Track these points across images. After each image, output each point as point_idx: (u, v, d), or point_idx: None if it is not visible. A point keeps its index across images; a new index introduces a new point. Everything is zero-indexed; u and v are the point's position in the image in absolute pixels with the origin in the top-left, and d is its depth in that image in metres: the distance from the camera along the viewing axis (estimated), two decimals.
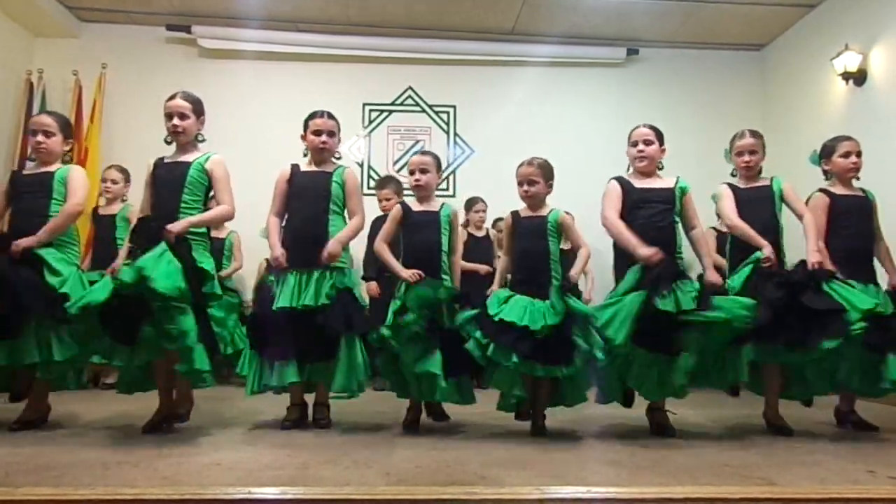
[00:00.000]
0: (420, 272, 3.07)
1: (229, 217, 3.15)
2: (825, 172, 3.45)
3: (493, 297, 3.04)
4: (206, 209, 3.09)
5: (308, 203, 3.20)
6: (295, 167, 3.29)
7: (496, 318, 2.91)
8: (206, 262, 2.93)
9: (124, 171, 4.74)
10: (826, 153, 3.43)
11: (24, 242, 2.93)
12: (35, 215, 3.04)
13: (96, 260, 4.53)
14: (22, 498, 1.80)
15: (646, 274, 2.93)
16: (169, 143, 3.14)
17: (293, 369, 3.04)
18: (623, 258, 3.10)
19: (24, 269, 2.89)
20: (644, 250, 2.94)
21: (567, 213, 5.28)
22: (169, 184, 3.02)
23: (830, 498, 1.92)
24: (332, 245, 3.07)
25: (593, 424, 3.26)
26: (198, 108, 3.14)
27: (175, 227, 2.85)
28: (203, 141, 3.18)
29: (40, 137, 3.12)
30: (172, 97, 3.11)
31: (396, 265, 3.16)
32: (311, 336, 3.03)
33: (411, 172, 3.28)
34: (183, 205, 2.98)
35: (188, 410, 3.15)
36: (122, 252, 2.99)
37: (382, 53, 6.00)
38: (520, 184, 3.23)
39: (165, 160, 3.11)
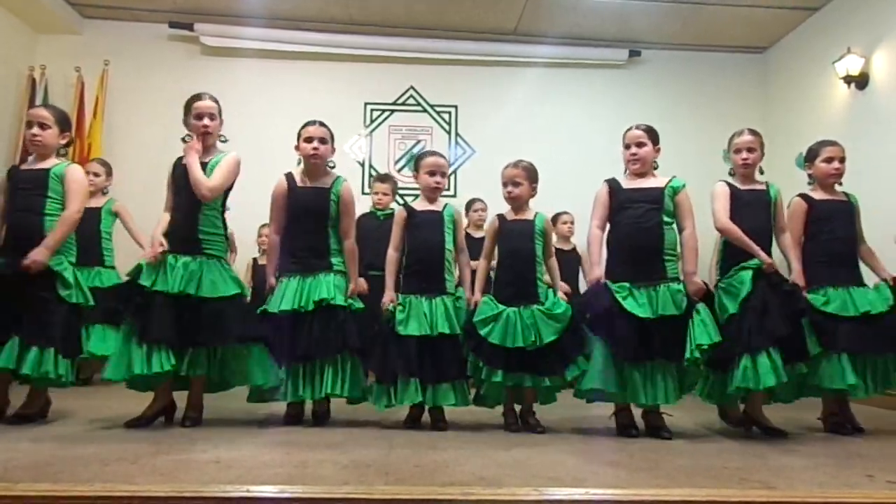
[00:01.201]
0: (389, 306, 3.13)
1: (203, 185, 3.02)
2: (809, 176, 3.44)
3: (479, 312, 3.09)
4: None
5: (308, 221, 3.24)
6: (290, 180, 3.29)
7: (487, 338, 3.01)
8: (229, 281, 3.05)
9: (106, 165, 4.76)
10: (810, 157, 3.41)
11: (39, 259, 2.91)
12: (31, 213, 3.03)
13: (78, 252, 4.52)
14: (20, 494, 1.80)
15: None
16: (186, 142, 3.14)
17: (298, 382, 3.09)
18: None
19: (39, 293, 2.92)
20: (592, 275, 3.10)
21: (566, 213, 5.33)
22: (190, 185, 3.04)
23: (828, 502, 1.92)
24: (360, 286, 3.29)
25: (592, 426, 3.26)
26: (220, 109, 3.20)
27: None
28: (226, 141, 3.23)
29: (35, 129, 3.09)
30: (199, 98, 3.13)
31: (390, 285, 3.20)
32: (319, 332, 3.07)
33: (431, 174, 3.26)
34: (204, 206, 3.04)
35: (199, 415, 3.09)
36: (156, 244, 2.97)
37: (384, 53, 6.01)
38: (504, 185, 3.26)
39: (184, 161, 3.11)
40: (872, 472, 2.30)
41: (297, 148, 3.32)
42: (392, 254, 3.25)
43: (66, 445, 2.48)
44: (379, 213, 4.68)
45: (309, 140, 3.27)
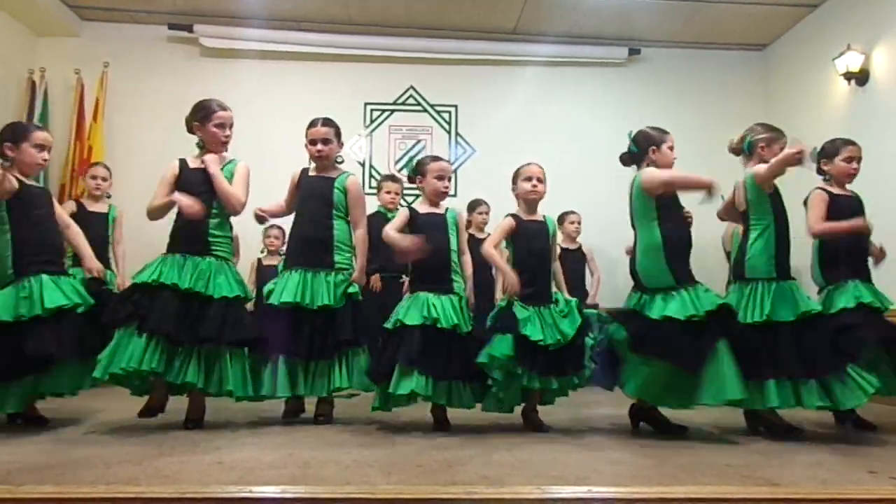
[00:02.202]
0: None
1: (236, 199, 3.12)
2: (820, 171, 3.43)
3: (519, 314, 3.05)
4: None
5: (312, 207, 3.31)
6: (304, 171, 3.39)
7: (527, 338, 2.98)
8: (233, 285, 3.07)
9: (108, 169, 4.81)
10: (827, 154, 3.40)
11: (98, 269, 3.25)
12: (55, 229, 3.14)
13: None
14: (24, 496, 1.80)
15: None
16: (202, 148, 3.17)
17: (296, 378, 3.11)
18: None
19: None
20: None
21: (574, 212, 5.33)
22: (205, 190, 3.08)
23: (832, 498, 1.92)
24: (357, 279, 3.28)
25: (594, 424, 3.26)
26: None
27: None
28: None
29: (46, 154, 3.13)
30: (222, 107, 3.17)
31: (403, 241, 3.09)
32: (318, 334, 3.11)
33: (440, 178, 3.26)
34: (214, 210, 3.10)
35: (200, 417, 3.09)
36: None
37: (384, 53, 6.00)
38: (528, 179, 3.24)
39: (191, 165, 3.13)
40: (875, 468, 2.30)
41: (307, 147, 3.39)
42: (391, 230, 3.14)
43: (69, 448, 2.48)
44: (389, 214, 4.66)
45: (313, 142, 3.35)
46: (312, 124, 3.37)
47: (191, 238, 3.05)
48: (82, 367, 2.94)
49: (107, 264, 4.57)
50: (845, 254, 3.27)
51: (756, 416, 3.09)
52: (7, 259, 2.95)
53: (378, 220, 4.45)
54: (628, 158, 3.22)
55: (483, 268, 4.83)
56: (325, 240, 3.26)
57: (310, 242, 3.27)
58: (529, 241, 3.21)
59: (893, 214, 3.59)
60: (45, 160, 3.12)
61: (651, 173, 3.05)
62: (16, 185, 2.98)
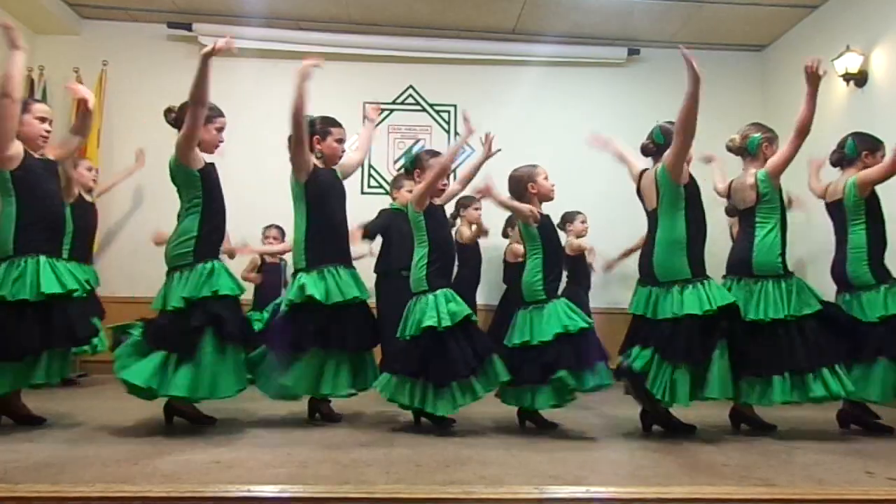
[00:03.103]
0: None
1: None
2: (837, 162, 3.43)
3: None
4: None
5: (337, 202, 3.36)
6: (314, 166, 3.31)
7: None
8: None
9: None
10: (870, 147, 3.37)
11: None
12: (60, 203, 3.13)
13: (78, 248, 4.47)
14: (21, 495, 1.80)
15: None
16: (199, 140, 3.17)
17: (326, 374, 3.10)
18: None
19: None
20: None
21: (580, 213, 5.32)
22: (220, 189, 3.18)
23: (829, 499, 1.93)
24: None
25: (593, 425, 3.26)
26: None
27: None
28: None
29: (48, 126, 3.11)
30: (220, 112, 3.21)
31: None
32: (353, 326, 3.14)
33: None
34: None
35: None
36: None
37: (383, 52, 6.00)
38: (547, 178, 3.27)
39: (209, 163, 3.15)
40: (872, 468, 2.30)
41: (318, 142, 3.35)
42: None
43: (67, 447, 2.48)
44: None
45: (341, 141, 3.39)
46: (337, 124, 3.40)
47: (219, 242, 3.13)
48: (64, 357, 2.91)
49: (87, 257, 4.57)
50: (883, 253, 3.28)
51: (739, 414, 3.13)
52: (9, 232, 2.89)
53: (398, 217, 4.41)
54: (654, 149, 3.17)
55: (473, 265, 4.88)
56: (346, 233, 3.38)
57: (341, 239, 3.32)
58: (553, 236, 3.25)
59: (893, 215, 3.59)
60: (48, 132, 3.10)
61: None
62: (20, 149, 2.94)
